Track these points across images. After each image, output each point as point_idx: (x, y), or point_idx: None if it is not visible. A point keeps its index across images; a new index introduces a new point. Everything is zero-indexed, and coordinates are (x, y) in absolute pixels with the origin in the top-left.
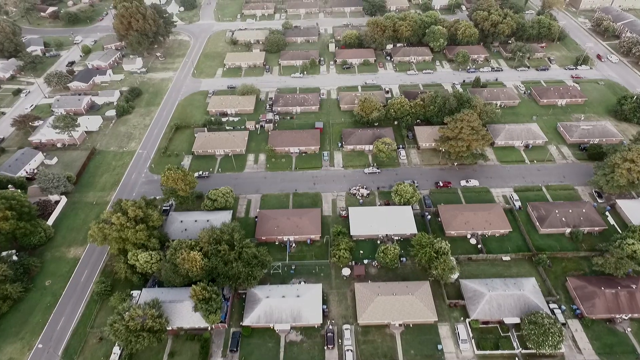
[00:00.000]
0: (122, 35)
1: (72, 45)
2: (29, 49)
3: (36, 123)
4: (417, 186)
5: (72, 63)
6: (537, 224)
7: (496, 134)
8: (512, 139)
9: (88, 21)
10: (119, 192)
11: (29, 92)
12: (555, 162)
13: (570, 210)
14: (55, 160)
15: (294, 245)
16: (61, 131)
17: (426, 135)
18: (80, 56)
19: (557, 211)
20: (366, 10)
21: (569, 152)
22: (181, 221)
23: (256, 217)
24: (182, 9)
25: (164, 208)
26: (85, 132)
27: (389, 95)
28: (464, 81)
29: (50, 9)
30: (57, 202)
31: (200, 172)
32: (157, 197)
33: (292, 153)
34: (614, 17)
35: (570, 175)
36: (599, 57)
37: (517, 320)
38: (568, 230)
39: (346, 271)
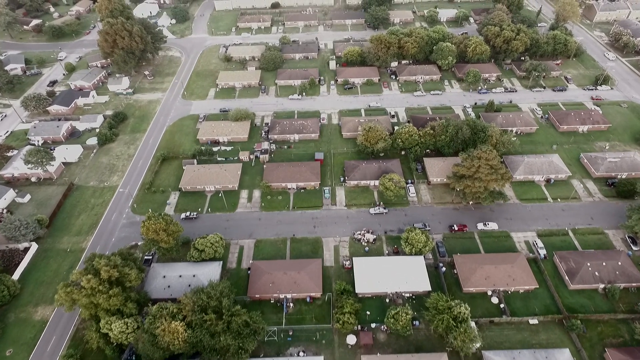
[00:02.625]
0: (107, 54)
1: (55, 62)
2: (8, 67)
3: (10, 153)
4: (428, 230)
5: (53, 83)
6: (567, 278)
7: (514, 168)
8: (532, 173)
9: (73, 35)
10: (97, 236)
11: (5, 115)
12: (581, 200)
13: (604, 263)
14: (27, 197)
15: (291, 304)
16: (34, 166)
17: (437, 169)
18: (64, 74)
19: (588, 264)
20: (368, 23)
21: (595, 188)
22: (164, 276)
23: (249, 269)
24: (173, 21)
25: (145, 258)
26: (63, 163)
27: (395, 119)
28: (475, 103)
29: (34, 22)
30: (26, 250)
31: (188, 213)
32: (139, 243)
33: (289, 189)
34: (633, 31)
35: (599, 216)
36: None
37: None
38: (602, 286)
39: (351, 339)
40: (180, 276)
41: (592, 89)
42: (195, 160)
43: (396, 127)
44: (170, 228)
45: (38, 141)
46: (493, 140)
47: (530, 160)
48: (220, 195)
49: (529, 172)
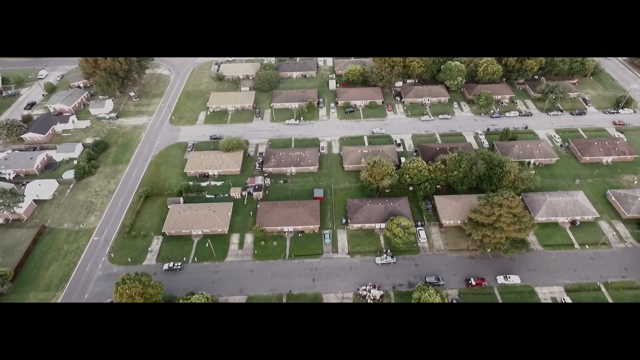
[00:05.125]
0: (89, 74)
1: (35, 80)
2: None
3: None
4: (442, 285)
5: (31, 105)
6: None
7: (535, 208)
8: (556, 215)
9: None
10: (68, 292)
11: None
12: (611, 247)
13: None
14: None
15: None
16: None
17: (450, 210)
18: (43, 95)
19: None
20: None
21: (627, 232)
22: None
23: None
24: None
25: None
26: (35, 201)
27: (401, 148)
28: (488, 130)
29: None
30: None
31: (171, 264)
32: (115, 301)
33: (285, 233)
34: None
35: (634, 266)
36: None
37: None
38: None
39: None
40: None
41: (614, 113)
42: (181, 199)
43: (402, 158)
44: (148, 292)
45: (9, 174)
46: (511, 176)
47: (553, 200)
48: (207, 245)
49: (552, 214)
